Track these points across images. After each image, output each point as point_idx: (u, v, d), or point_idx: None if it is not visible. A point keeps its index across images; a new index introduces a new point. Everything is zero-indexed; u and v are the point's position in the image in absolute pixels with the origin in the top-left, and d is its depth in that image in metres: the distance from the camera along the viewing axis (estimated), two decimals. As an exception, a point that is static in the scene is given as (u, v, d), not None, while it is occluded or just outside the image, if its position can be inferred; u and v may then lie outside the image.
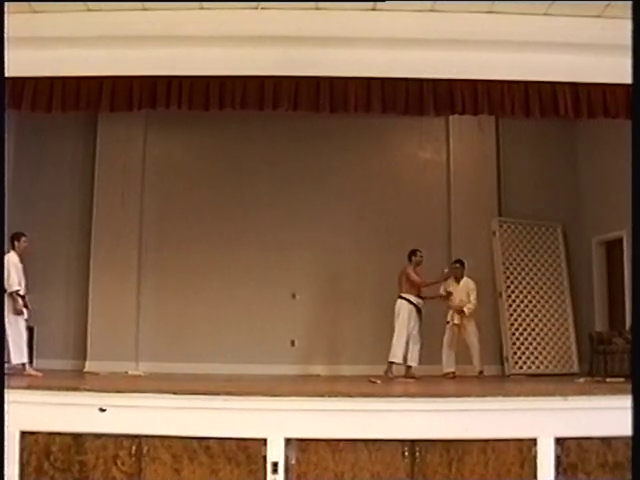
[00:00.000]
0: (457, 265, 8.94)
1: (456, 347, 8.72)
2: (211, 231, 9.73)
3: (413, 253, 8.52)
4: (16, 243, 7.38)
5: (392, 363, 8.20)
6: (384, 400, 5.26)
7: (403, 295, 8.36)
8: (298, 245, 9.69)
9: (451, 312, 8.83)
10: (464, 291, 8.79)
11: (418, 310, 8.35)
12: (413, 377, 8.03)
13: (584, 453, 4.95)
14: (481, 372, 8.64)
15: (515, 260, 9.84)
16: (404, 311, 8.28)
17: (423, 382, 7.56)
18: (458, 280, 8.88)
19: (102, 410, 4.94)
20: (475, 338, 8.70)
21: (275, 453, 4.87)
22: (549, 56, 5.95)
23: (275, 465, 4.86)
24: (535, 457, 4.93)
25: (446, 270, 8.74)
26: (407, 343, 8.19)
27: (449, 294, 8.78)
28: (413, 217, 9.82)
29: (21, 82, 5.91)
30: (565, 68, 6.00)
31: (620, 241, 8.93)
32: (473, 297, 8.72)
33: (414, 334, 8.25)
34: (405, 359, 8.24)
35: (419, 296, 8.41)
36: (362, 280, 9.66)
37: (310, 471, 4.88)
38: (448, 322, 8.82)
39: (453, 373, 8.60)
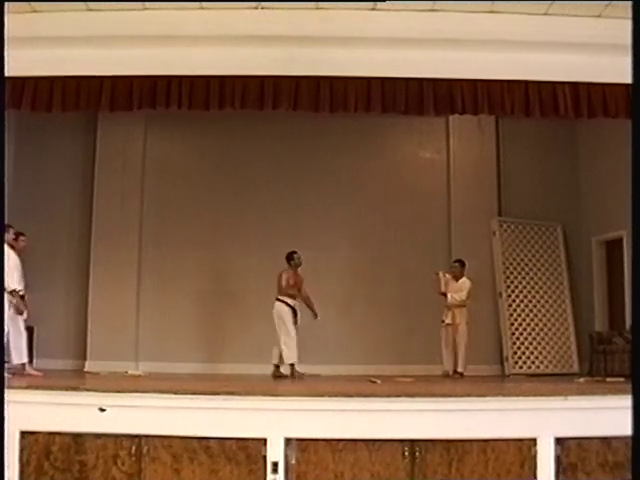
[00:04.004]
0: (456, 264, 8.93)
1: (452, 347, 8.69)
2: (211, 231, 9.74)
3: (290, 256, 8.40)
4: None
5: (293, 365, 8.10)
6: (384, 400, 5.25)
7: (280, 298, 8.26)
8: (298, 245, 9.59)
9: (445, 311, 8.82)
10: (460, 290, 8.77)
11: (294, 312, 8.28)
12: (295, 375, 7.89)
13: (584, 453, 4.94)
14: (461, 374, 8.49)
15: (515, 260, 9.84)
16: (284, 314, 8.19)
17: (423, 382, 7.53)
18: (457, 279, 8.86)
19: (102, 410, 4.94)
20: (462, 340, 8.59)
21: (275, 453, 4.86)
22: (549, 56, 5.96)
23: (275, 465, 4.85)
24: (535, 457, 4.92)
25: (435, 275, 8.73)
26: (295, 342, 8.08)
27: (444, 294, 8.75)
28: (413, 217, 9.83)
29: (21, 82, 5.92)
30: (565, 68, 6.00)
31: (620, 241, 8.94)
32: (464, 293, 8.69)
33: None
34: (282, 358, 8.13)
35: (295, 298, 8.33)
36: (362, 280, 9.66)
37: (310, 471, 4.88)
38: (443, 321, 8.80)
39: (454, 372, 8.58)
